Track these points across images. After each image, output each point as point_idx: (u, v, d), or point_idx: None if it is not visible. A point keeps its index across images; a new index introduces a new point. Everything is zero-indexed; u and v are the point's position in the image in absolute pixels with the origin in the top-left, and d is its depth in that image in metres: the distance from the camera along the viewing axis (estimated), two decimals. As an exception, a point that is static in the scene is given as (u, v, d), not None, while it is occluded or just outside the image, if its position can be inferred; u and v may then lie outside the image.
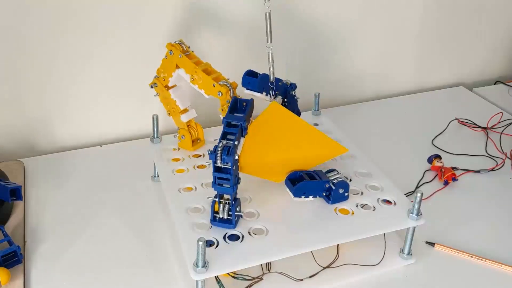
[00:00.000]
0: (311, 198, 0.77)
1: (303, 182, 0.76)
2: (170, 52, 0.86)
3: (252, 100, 0.77)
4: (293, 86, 0.87)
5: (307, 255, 0.76)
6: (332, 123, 0.99)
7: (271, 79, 0.82)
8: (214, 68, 0.86)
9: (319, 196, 0.78)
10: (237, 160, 0.70)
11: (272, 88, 0.83)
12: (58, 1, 0.95)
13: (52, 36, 0.97)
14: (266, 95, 0.83)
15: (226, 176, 0.70)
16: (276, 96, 0.84)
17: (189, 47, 0.87)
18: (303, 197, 0.77)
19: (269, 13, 0.78)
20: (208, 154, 0.69)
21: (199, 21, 1.06)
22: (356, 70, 1.26)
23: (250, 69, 0.82)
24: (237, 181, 0.72)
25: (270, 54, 0.80)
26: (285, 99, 0.86)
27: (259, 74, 0.82)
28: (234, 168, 0.69)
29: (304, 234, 0.73)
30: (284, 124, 0.79)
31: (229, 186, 0.70)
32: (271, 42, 0.79)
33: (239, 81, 0.83)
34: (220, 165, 0.69)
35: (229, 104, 0.78)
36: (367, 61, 1.26)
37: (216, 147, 0.69)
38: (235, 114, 0.75)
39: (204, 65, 0.85)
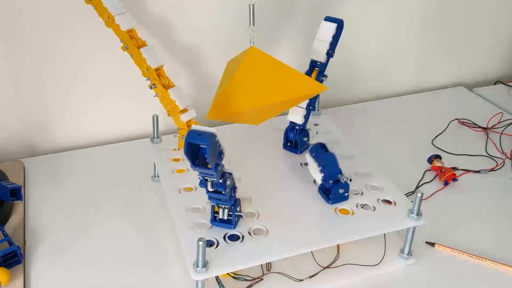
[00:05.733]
0: (317, 171, 0.78)
1: (325, 153, 0.78)
2: (126, 47, 0.88)
3: (210, 136, 0.63)
4: None
5: (307, 255, 0.76)
6: (332, 123, 0.99)
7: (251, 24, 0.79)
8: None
9: (323, 176, 0.77)
10: (228, 183, 0.69)
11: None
12: (57, 1, 0.95)
13: (51, 36, 0.97)
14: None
15: (220, 197, 0.70)
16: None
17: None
18: (313, 161, 0.78)
19: (253, 5, 0.77)
20: (199, 184, 0.69)
21: (199, 19, 1.06)
22: (356, 70, 1.26)
23: None
24: (233, 190, 0.72)
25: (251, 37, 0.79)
26: None
27: None
28: (227, 190, 0.69)
29: (304, 234, 0.73)
30: (263, 68, 0.77)
31: (225, 200, 0.71)
32: (253, 25, 0.79)
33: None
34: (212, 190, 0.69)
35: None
36: (367, 61, 1.26)
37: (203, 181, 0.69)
38: (201, 167, 0.66)
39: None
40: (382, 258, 0.79)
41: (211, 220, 0.73)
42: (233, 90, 0.73)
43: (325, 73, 0.88)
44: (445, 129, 1.16)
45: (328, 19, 0.87)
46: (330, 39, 0.86)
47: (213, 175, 0.66)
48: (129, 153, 1.05)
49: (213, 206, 0.73)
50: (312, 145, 0.83)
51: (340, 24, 0.87)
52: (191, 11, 1.04)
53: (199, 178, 0.68)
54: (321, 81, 0.88)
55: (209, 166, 0.65)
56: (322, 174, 0.78)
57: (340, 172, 0.77)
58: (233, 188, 0.72)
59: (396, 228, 0.76)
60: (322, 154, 0.80)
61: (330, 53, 0.87)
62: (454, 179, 0.97)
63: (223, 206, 0.72)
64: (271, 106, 0.75)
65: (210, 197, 0.71)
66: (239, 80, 0.74)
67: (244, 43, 1.07)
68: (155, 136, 0.93)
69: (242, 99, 0.73)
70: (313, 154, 0.80)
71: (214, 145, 0.64)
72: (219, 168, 0.67)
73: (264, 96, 0.74)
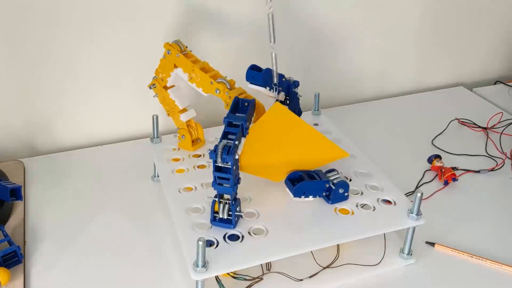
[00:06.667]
0: (311, 198, 0.77)
1: (303, 182, 0.76)
2: (168, 52, 0.86)
3: (253, 100, 0.76)
4: (296, 84, 0.86)
5: (307, 255, 0.76)
6: (332, 123, 0.99)
7: (275, 80, 0.81)
8: (212, 67, 0.86)
9: (319, 196, 0.78)
10: (237, 159, 0.70)
11: (275, 88, 0.82)
12: (56, 1, 0.95)
13: (51, 37, 0.97)
14: (270, 90, 0.82)
15: (226, 176, 0.70)
16: (279, 92, 0.83)
17: (186, 47, 0.87)
18: (303, 197, 0.76)
19: (272, 14, 0.77)
20: (209, 153, 0.69)
21: (199, 20, 1.06)
22: (356, 70, 1.26)
23: (254, 64, 0.82)
24: (237, 181, 0.72)
25: (273, 54, 0.80)
26: (287, 96, 0.86)
27: (263, 69, 0.82)
28: (234, 167, 0.69)
29: (304, 234, 0.73)
30: (286, 125, 0.79)
31: (229, 185, 0.70)
32: (274, 42, 0.79)
33: (239, 80, 0.83)
34: (220, 165, 0.69)
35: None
36: (367, 61, 1.26)
37: (216, 146, 0.69)
38: (237, 114, 0.75)
39: (202, 64, 0.85)
40: (382, 258, 0.79)
41: (211, 220, 0.73)
42: (251, 141, 0.75)
43: (295, 87, 0.87)
44: (445, 129, 1.16)
45: (255, 67, 0.82)
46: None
47: (236, 134, 0.70)
48: (129, 153, 1.05)
49: (213, 206, 0.73)
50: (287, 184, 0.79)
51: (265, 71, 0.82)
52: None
53: (210, 150, 0.69)
54: (296, 93, 0.87)
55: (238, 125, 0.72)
56: (325, 194, 0.78)
57: (328, 181, 0.77)
58: (238, 178, 0.72)
59: (396, 228, 0.76)
60: (304, 186, 0.76)
61: (277, 86, 0.83)
62: (454, 179, 0.97)
63: (223, 201, 0.72)
64: (289, 163, 0.77)
65: (214, 182, 0.71)
66: (256, 133, 0.76)
67: (250, 42, 1.06)
68: (155, 136, 0.93)
69: (255, 153, 0.75)
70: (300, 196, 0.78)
71: (253, 110, 0.76)
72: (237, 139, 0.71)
73: (278, 154, 0.76)
